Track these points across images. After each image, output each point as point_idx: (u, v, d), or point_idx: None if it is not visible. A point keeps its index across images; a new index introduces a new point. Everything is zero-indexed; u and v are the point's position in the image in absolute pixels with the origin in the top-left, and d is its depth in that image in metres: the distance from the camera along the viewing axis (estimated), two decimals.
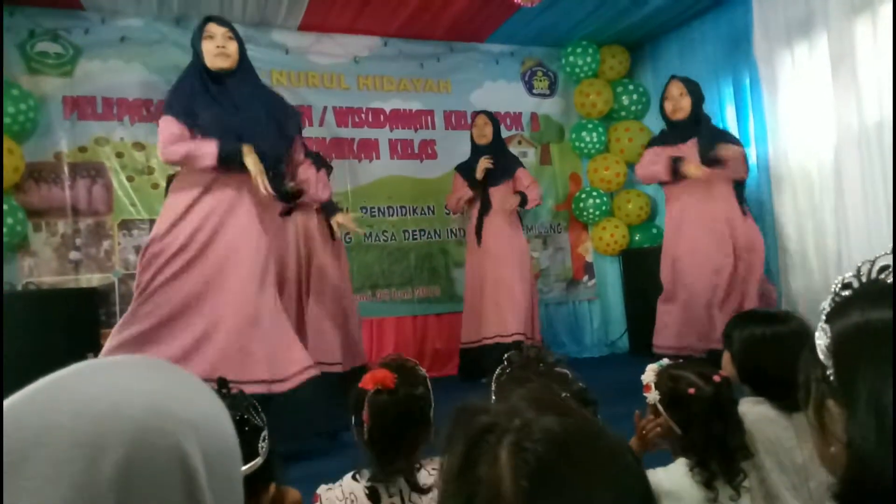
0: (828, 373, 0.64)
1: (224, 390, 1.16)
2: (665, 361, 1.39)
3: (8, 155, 3.50)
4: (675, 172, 3.33)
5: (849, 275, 0.67)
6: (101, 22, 3.99)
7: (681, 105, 3.41)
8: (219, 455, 0.48)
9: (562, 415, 0.53)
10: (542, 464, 0.49)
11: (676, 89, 3.43)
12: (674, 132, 3.46)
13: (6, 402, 0.44)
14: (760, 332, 1.51)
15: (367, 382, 1.28)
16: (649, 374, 1.36)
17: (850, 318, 0.64)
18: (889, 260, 0.65)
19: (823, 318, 0.67)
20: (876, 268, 0.65)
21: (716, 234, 3.33)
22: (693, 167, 3.26)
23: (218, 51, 2.50)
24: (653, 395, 1.33)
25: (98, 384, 0.46)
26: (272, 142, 2.55)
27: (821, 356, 0.65)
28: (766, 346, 1.49)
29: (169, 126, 2.46)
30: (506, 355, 1.30)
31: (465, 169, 4.11)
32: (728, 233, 3.34)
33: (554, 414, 0.53)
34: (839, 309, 0.66)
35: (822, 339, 0.65)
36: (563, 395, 1.09)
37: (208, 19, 2.59)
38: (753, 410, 1.40)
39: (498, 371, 1.29)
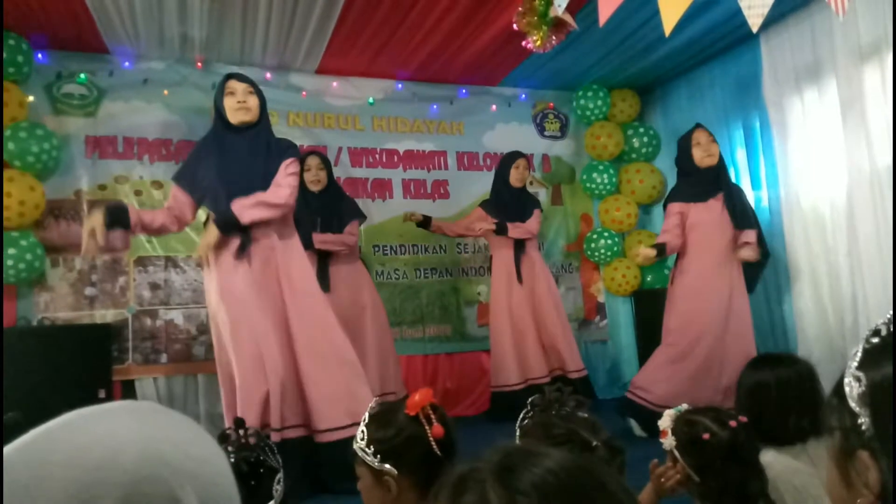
0: (860, 422, 0.62)
1: (241, 431, 1.16)
2: (684, 407, 1.37)
3: (29, 192, 3.58)
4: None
5: (880, 322, 0.66)
6: (126, 65, 4.13)
7: (711, 151, 3.43)
8: (214, 501, 0.47)
9: (552, 453, 0.52)
10: (536, 486, 0.48)
11: (704, 136, 3.45)
12: (698, 184, 3.45)
13: (13, 447, 0.44)
14: (764, 378, 1.53)
15: (420, 403, 1.22)
16: (666, 419, 1.34)
17: (886, 367, 0.62)
18: None
19: (855, 365, 0.64)
20: None
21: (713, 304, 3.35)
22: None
23: (239, 105, 2.63)
24: (669, 441, 1.31)
25: (90, 434, 0.46)
26: (261, 186, 2.65)
27: (853, 405, 0.63)
28: (766, 391, 1.51)
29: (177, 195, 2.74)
30: (529, 399, 1.28)
31: (492, 206, 4.15)
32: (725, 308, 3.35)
33: (541, 452, 0.52)
34: (872, 357, 0.64)
35: (855, 388, 0.63)
36: (594, 443, 1.07)
37: (229, 76, 2.71)
38: (779, 460, 1.38)
39: (522, 415, 1.28)
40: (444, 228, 4.29)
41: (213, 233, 2.57)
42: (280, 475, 1.11)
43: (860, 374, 0.63)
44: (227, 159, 2.63)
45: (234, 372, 2.54)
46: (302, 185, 3.68)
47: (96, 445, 0.44)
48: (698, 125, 3.55)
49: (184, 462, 0.46)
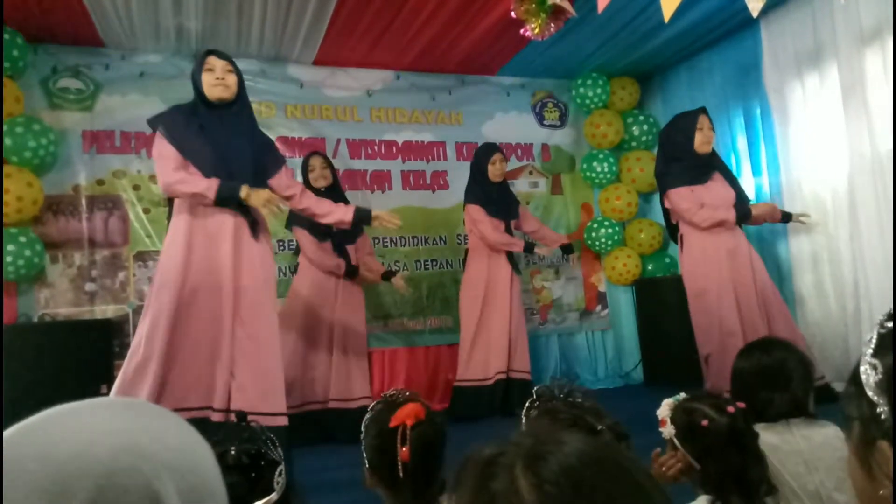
0: (878, 411, 0.60)
1: (243, 423, 1.16)
2: (681, 395, 1.37)
3: (27, 188, 3.57)
4: None
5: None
6: (122, 58, 4.10)
7: (710, 138, 3.44)
8: (194, 492, 0.47)
9: (576, 440, 0.52)
10: (564, 469, 0.48)
11: (708, 122, 3.44)
12: (694, 168, 3.43)
13: None
14: (746, 365, 1.60)
15: (405, 418, 1.26)
16: (665, 408, 1.34)
17: None
18: None
19: (870, 352, 0.62)
20: None
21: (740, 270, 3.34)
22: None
23: (217, 82, 2.56)
24: (668, 430, 1.31)
25: (66, 427, 0.45)
26: (252, 175, 2.60)
27: (870, 394, 0.61)
28: (748, 377, 1.59)
29: (163, 149, 2.53)
30: (535, 388, 1.29)
31: (484, 201, 4.00)
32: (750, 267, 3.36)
33: (566, 439, 0.52)
34: (887, 343, 0.61)
35: (871, 376, 0.61)
36: (599, 427, 1.08)
37: (209, 52, 2.65)
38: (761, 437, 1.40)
39: (528, 404, 1.28)
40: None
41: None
42: (281, 467, 1.11)
43: (876, 362, 0.61)
44: (213, 136, 2.55)
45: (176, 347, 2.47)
46: (306, 184, 3.70)
47: (69, 438, 0.44)
48: (703, 109, 3.51)
49: (161, 453, 0.46)
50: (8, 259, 3.49)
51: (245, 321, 2.50)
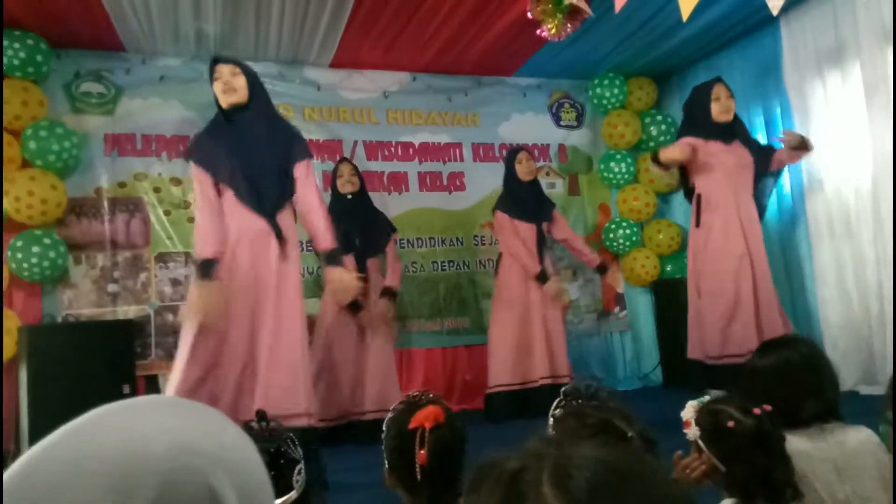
0: None
1: (263, 423, 1.17)
2: (706, 397, 1.36)
3: (51, 191, 3.63)
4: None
5: None
6: (142, 62, 4.16)
7: (729, 107, 3.39)
8: (248, 489, 0.47)
9: (601, 451, 0.51)
10: (593, 486, 0.47)
11: (725, 91, 3.40)
12: (713, 132, 3.38)
13: (30, 452, 0.45)
14: (769, 363, 1.52)
15: (424, 420, 1.26)
16: (689, 410, 1.33)
17: None
18: None
19: None
20: None
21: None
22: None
23: (225, 87, 2.59)
24: (693, 432, 1.30)
25: (119, 427, 0.46)
26: (274, 183, 2.62)
27: None
28: (772, 376, 1.50)
29: (199, 176, 2.61)
30: (562, 389, 1.28)
31: (511, 205, 4.01)
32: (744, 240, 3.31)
33: (590, 451, 0.50)
34: None
35: None
36: (629, 434, 1.07)
37: (215, 60, 2.67)
38: (790, 443, 1.36)
39: (554, 404, 1.27)
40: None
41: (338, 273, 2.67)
42: (300, 466, 1.12)
43: None
44: (234, 146, 2.60)
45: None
46: (335, 190, 3.77)
47: (126, 438, 0.45)
48: (719, 78, 3.47)
49: (215, 450, 0.46)
50: (33, 261, 3.55)
51: (272, 323, 2.55)
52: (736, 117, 3.47)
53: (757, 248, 3.32)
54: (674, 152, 3.36)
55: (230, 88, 2.58)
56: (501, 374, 3.93)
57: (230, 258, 2.57)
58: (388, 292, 3.77)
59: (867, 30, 3.51)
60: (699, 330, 3.38)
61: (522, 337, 3.93)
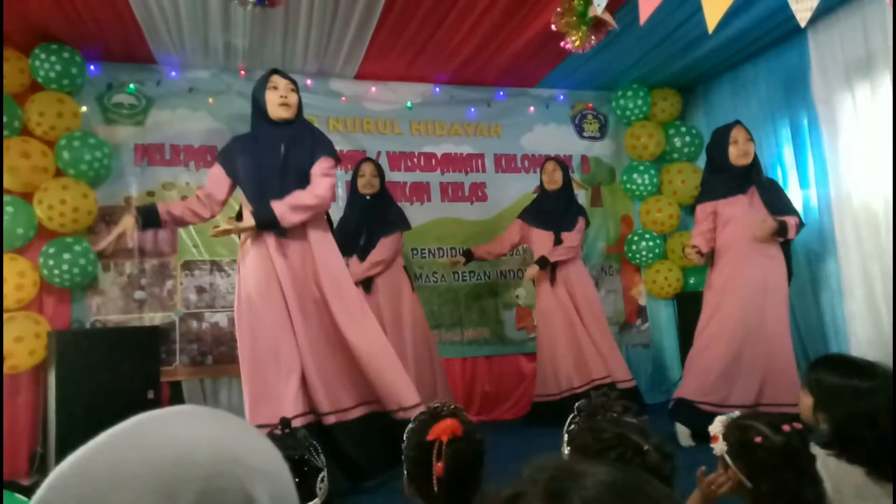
0: None
1: (287, 430, 1.18)
2: (735, 413, 1.33)
3: (83, 199, 3.72)
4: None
5: None
6: (172, 74, 4.25)
7: (748, 150, 3.39)
8: (282, 499, 0.49)
9: (597, 471, 0.50)
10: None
11: (743, 134, 3.40)
12: (731, 180, 3.40)
13: (73, 456, 0.46)
14: (858, 385, 1.46)
15: (439, 433, 1.27)
16: (717, 425, 1.31)
17: None
18: None
19: None
20: None
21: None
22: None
23: (281, 100, 2.70)
24: (720, 447, 1.28)
25: (161, 433, 0.48)
26: (288, 188, 2.72)
27: None
28: (858, 401, 1.43)
29: (212, 170, 2.86)
30: (577, 404, 1.28)
31: (532, 213, 4.18)
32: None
33: (585, 470, 0.50)
34: None
35: None
36: (645, 447, 1.06)
37: (274, 71, 2.76)
38: (831, 460, 1.33)
39: (569, 420, 1.27)
40: (486, 255, 4.30)
41: (249, 223, 2.68)
42: (324, 474, 1.13)
43: None
44: (265, 153, 2.71)
45: (261, 363, 2.65)
46: (354, 189, 3.78)
47: (170, 443, 0.47)
48: (737, 122, 3.48)
49: (252, 459, 0.48)
50: (64, 267, 3.63)
51: (328, 322, 2.69)
52: (757, 163, 3.46)
53: (773, 303, 3.28)
54: (698, 241, 3.48)
55: (286, 103, 2.71)
56: (549, 381, 4.02)
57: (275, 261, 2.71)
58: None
59: None
60: (693, 372, 3.37)
61: (571, 342, 4.00)
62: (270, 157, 2.71)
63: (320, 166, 2.74)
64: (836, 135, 3.90)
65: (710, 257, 3.50)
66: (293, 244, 2.73)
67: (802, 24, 2.87)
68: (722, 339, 3.28)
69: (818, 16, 3.68)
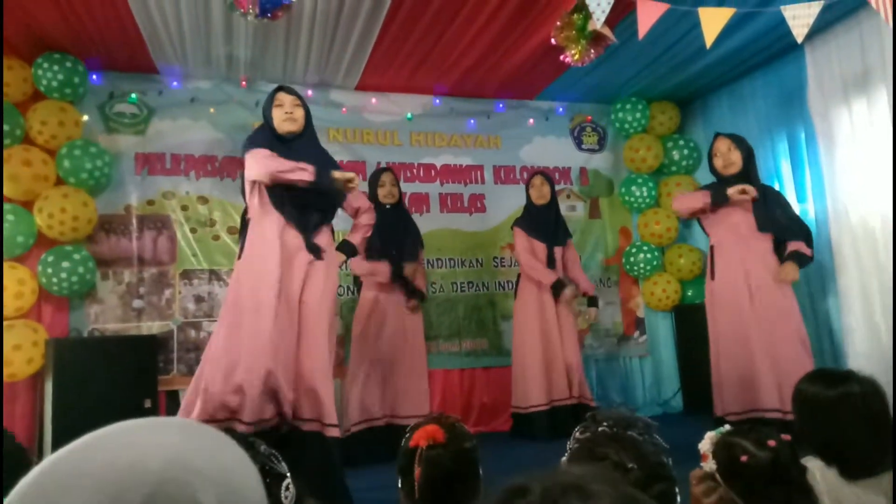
0: None
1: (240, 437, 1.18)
2: (725, 428, 1.32)
3: (83, 208, 3.73)
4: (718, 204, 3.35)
5: None
6: (174, 84, 4.28)
7: (731, 159, 3.39)
8: None
9: (593, 492, 0.50)
10: None
11: (723, 144, 3.42)
12: (723, 195, 3.39)
13: (35, 470, 0.48)
14: (823, 395, 1.48)
15: (419, 439, 1.28)
16: (706, 442, 1.30)
17: None
18: None
19: None
20: None
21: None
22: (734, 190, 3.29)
23: (286, 116, 2.73)
24: (709, 465, 1.27)
25: (123, 441, 0.50)
26: (316, 204, 2.75)
27: None
28: (825, 409, 1.45)
29: (257, 150, 2.66)
30: (588, 414, 1.26)
31: (527, 224, 4.13)
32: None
33: (578, 491, 0.49)
34: None
35: None
36: (630, 465, 1.05)
37: (279, 89, 2.82)
38: (830, 472, 1.33)
39: (575, 431, 1.25)
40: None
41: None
42: (288, 481, 1.12)
43: None
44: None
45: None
46: (374, 199, 3.85)
47: (127, 451, 0.48)
48: (717, 134, 3.50)
49: (209, 470, 0.49)
50: (62, 275, 3.63)
51: (303, 335, 2.60)
52: (753, 173, 3.43)
53: (768, 300, 3.27)
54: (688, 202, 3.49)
55: (291, 118, 2.74)
56: (527, 394, 3.96)
57: (260, 264, 2.60)
58: (416, 293, 3.89)
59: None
60: (720, 389, 3.35)
61: (546, 357, 3.97)
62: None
63: (360, 200, 3.09)
64: (833, 149, 3.93)
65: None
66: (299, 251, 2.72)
67: (799, 39, 2.91)
68: (739, 349, 3.27)
69: (815, 32, 3.71)
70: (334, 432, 2.57)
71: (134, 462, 0.47)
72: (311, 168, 2.59)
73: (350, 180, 2.65)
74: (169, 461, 0.47)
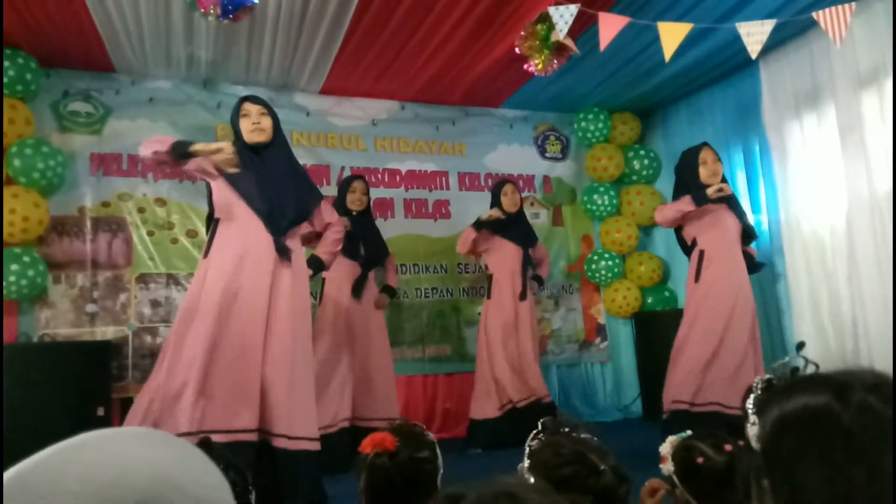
0: None
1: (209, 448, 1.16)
2: (687, 433, 1.36)
3: (34, 208, 3.60)
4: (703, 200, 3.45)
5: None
6: (132, 84, 4.17)
7: (716, 170, 3.52)
8: None
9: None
10: None
11: (712, 155, 3.54)
12: (703, 198, 3.47)
13: (14, 469, 0.46)
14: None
15: (367, 446, 1.27)
16: (667, 446, 1.33)
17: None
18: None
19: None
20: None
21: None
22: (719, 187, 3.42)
23: (253, 126, 2.71)
24: (667, 468, 1.30)
25: (105, 453, 0.48)
26: (295, 209, 2.74)
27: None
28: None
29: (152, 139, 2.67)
30: (541, 420, 1.28)
31: (497, 228, 4.18)
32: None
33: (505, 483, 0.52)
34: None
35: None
36: (602, 467, 1.07)
37: (244, 99, 2.79)
38: None
39: (531, 436, 1.27)
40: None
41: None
42: (252, 496, 1.11)
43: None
44: (257, 176, 2.67)
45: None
46: (342, 204, 3.84)
47: (110, 464, 0.46)
48: (706, 144, 3.59)
49: (191, 487, 0.48)
50: (11, 278, 3.50)
51: (278, 345, 2.55)
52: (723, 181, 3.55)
53: (746, 304, 3.41)
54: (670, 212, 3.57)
55: (259, 128, 2.71)
56: (484, 403, 4.00)
57: (232, 270, 2.54)
58: (388, 288, 4.00)
59: (841, 74, 3.63)
60: (674, 373, 3.47)
61: (511, 359, 4.03)
62: (266, 181, 2.68)
63: (330, 211, 3.02)
64: (785, 162, 4.06)
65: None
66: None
67: (753, 55, 3.01)
68: (701, 342, 3.37)
69: (769, 48, 3.84)
70: (305, 445, 2.51)
71: (119, 476, 0.45)
72: (168, 140, 2.59)
73: (215, 151, 2.49)
74: (154, 477, 0.46)
